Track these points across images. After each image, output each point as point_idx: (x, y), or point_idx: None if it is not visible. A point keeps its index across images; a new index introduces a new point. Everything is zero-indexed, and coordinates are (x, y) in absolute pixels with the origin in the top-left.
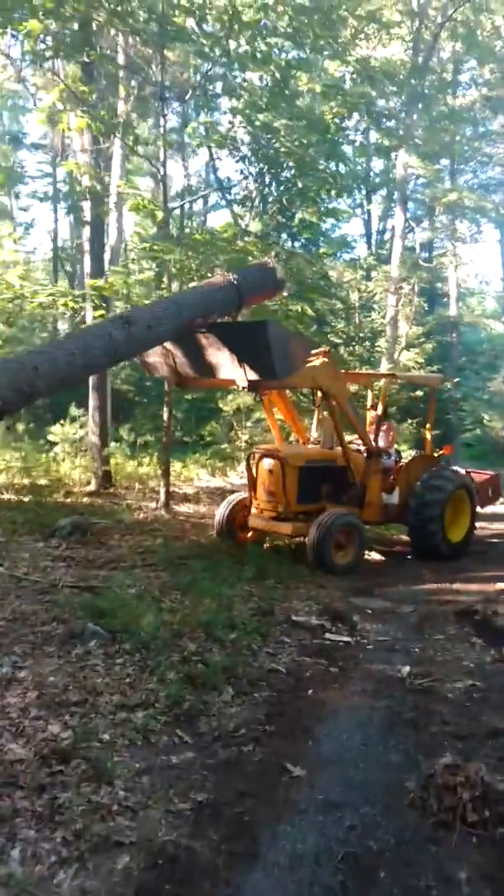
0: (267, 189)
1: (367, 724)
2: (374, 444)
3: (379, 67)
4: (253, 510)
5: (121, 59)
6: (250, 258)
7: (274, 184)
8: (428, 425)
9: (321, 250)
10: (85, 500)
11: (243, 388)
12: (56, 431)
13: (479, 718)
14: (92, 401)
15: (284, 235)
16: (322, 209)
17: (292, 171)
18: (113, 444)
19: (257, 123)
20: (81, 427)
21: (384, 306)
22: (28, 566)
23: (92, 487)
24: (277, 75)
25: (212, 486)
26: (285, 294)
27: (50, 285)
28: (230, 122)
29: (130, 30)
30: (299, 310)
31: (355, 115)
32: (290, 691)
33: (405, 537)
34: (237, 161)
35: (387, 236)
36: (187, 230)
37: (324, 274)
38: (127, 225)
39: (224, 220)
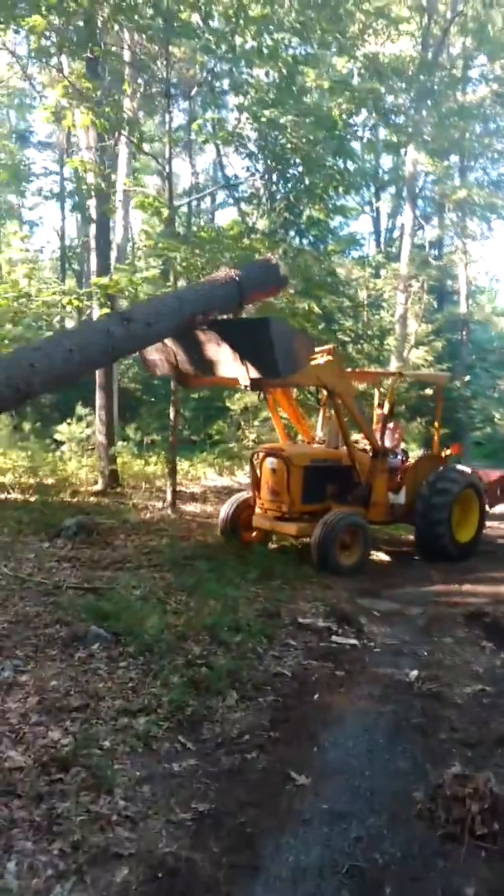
0: (274, 186)
1: (374, 730)
2: (379, 443)
3: (387, 63)
4: (257, 510)
5: (126, 55)
6: (257, 255)
7: (281, 181)
8: (436, 424)
9: (329, 247)
10: (91, 499)
11: (245, 386)
12: (62, 430)
13: (489, 725)
14: (98, 399)
15: (292, 233)
16: (330, 206)
17: (300, 168)
18: (120, 443)
19: (264, 120)
20: (88, 426)
21: (393, 304)
22: (33, 567)
23: (98, 487)
24: (284, 71)
25: (219, 486)
26: (291, 291)
27: (58, 284)
28: (237, 119)
29: (135, 26)
30: (306, 307)
31: (363, 112)
32: (295, 696)
33: (413, 537)
34: (244, 158)
35: (396, 233)
36: (194, 228)
37: (331, 271)
38: (135, 223)
39: (231, 218)
